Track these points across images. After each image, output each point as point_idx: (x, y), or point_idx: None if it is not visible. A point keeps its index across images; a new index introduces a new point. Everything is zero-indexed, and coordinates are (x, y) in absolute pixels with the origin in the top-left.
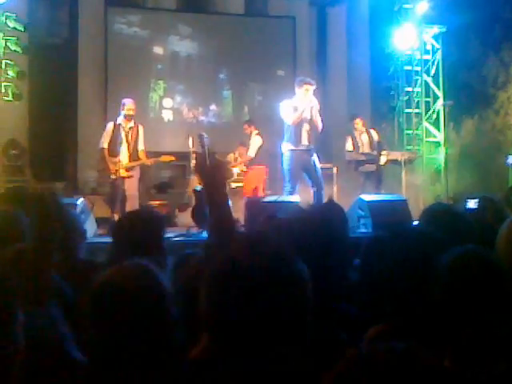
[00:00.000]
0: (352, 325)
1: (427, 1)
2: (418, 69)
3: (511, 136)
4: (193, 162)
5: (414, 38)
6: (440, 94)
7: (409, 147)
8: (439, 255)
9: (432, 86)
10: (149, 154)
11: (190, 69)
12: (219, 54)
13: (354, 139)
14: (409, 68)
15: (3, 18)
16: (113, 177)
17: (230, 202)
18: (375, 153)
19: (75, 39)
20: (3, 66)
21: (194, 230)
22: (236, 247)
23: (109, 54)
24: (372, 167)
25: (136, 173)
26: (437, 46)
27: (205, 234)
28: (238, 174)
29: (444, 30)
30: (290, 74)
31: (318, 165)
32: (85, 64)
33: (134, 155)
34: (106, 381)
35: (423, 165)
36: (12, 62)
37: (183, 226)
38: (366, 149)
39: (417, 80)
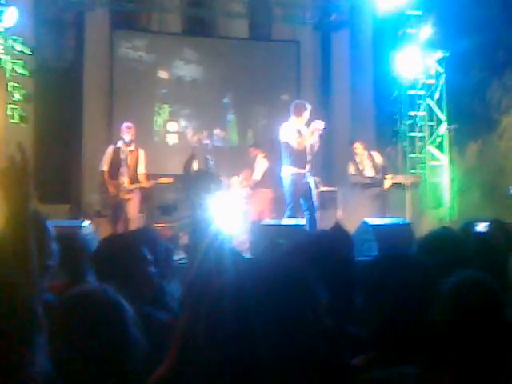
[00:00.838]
0: (361, 349)
1: (431, 26)
2: (422, 93)
3: None
4: None
5: (417, 62)
6: (443, 118)
7: (413, 171)
8: (439, 281)
9: (436, 110)
10: (153, 177)
11: (195, 93)
12: (224, 78)
13: (355, 164)
14: (412, 92)
15: (11, 42)
16: (113, 200)
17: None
18: (379, 176)
19: (81, 63)
20: (10, 89)
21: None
22: (246, 274)
23: (114, 78)
24: (376, 191)
25: (136, 195)
26: (440, 70)
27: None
28: (244, 197)
29: (447, 54)
30: (294, 98)
31: (314, 189)
32: (90, 87)
33: (133, 178)
34: None
35: (427, 188)
36: (19, 85)
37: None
38: (369, 172)
39: (420, 104)
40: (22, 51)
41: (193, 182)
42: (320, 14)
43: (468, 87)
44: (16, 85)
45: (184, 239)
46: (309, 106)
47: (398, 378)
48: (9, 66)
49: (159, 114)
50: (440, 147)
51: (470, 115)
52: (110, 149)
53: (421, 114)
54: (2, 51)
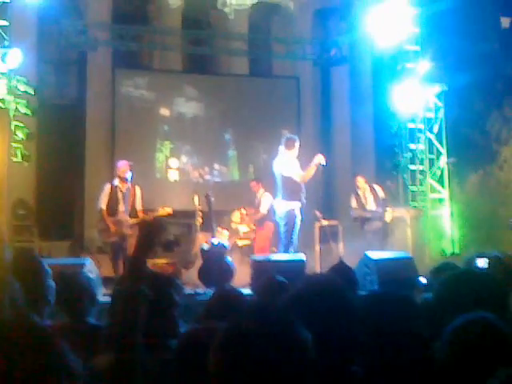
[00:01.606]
0: None
1: (429, 60)
2: (421, 126)
3: None
4: (199, 220)
5: (416, 96)
6: (443, 150)
7: (413, 204)
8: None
9: (435, 143)
10: (152, 213)
11: (196, 129)
12: (224, 114)
13: (357, 197)
14: (412, 126)
15: (14, 82)
16: (112, 239)
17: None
18: (380, 210)
19: (83, 101)
20: (13, 128)
21: (201, 290)
22: (243, 316)
23: (116, 116)
24: (378, 224)
25: (135, 231)
26: (439, 104)
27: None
28: (245, 233)
29: (446, 88)
30: (294, 132)
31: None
32: (92, 125)
33: (132, 214)
34: None
35: (428, 221)
36: (21, 124)
37: (190, 284)
38: (371, 206)
39: (420, 137)
40: (25, 91)
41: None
42: (320, 50)
43: (467, 119)
44: (19, 124)
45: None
46: (298, 140)
47: None
48: (12, 106)
49: (161, 151)
50: (440, 180)
51: (470, 147)
52: (107, 187)
53: (421, 147)
54: (6, 91)
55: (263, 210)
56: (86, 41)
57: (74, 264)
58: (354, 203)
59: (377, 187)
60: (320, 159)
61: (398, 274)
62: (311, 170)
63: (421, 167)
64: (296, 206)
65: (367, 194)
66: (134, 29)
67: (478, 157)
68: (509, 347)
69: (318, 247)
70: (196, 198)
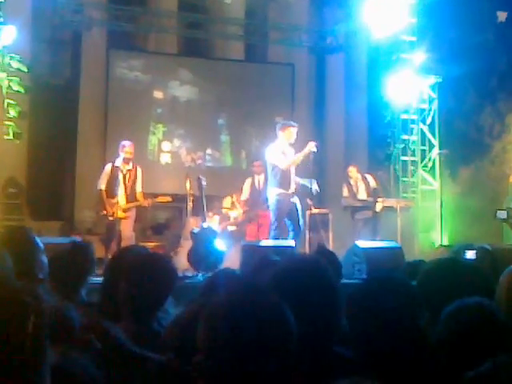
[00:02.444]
0: (347, 368)
1: (424, 51)
2: (415, 117)
3: (506, 185)
4: (190, 205)
5: (410, 87)
6: (436, 142)
7: (404, 195)
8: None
9: (428, 134)
10: (146, 196)
11: (190, 113)
12: (218, 99)
13: (349, 186)
14: (405, 116)
15: (7, 59)
16: (110, 218)
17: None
18: (371, 199)
19: (77, 81)
20: (5, 106)
21: (190, 272)
22: (230, 293)
23: (109, 97)
24: (368, 214)
25: (132, 214)
26: (433, 95)
27: (200, 277)
28: (235, 218)
29: (440, 80)
30: (288, 119)
31: (300, 210)
32: (85, 106)
33: (131, 197)
34: None
35: (418, 212)
36: (14, 102)
37: (178, 268)
38: (362, 195)
39: (413, 128)
40: (18, 68)
41: None
42: (316, 38)
43: (461, 112)
44: (11, 102)
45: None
46: (295, 125)
47: None
48: (5, 83)
49: (154, 134)
50: (432, 171)
51: (463, 140)
52: (109, 167)
53: (413, 138)
54: None
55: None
56: (80, 20)
57: (66, 243)
58: (345, 192)
59: (369, 177)
60: (311, 147)
61: (386, 263)
62: (297, 159)
63: (413, 158)
64: (284, 193)
65: (359, 184)
66: (130, 10)
67: (470, 150)
68: (503, 331)
69: (308, 235)
70: (188, 183)
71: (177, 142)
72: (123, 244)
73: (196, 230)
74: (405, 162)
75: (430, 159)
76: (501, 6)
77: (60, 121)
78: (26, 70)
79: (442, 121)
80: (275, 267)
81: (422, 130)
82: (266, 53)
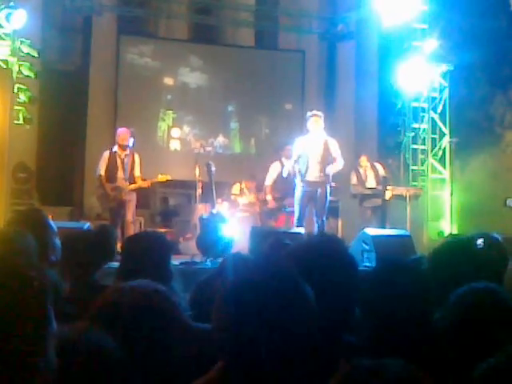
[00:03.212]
0: (357, 356)
1: (436, 39)
2: (425, 106)
3: None
4: (198, 191)
5: (421, 75)
6: (446, 131)
7: (414, 183)
8: (444, 292)
9: (439, 123)
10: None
11: (199, 100)
12: (228, 86)
13: (358, 174)
14: (416, 105)
15: (18, 44)
16: (112, 202)
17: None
18: (380, 187)
19: (87, 67)
20: (15, 91)
21: (198, 258)
22: (246, 270)
23: (119, 83)
24: (377, 202)
25: (133, 198)
26: (444, 83)
27: (208, 263)
28: (244, 205)
29: (452, 68)
30: (298, 107)
31: (325, 198)
32: (95, 91)
33: (130, 180)
34: None
35: (428, 201)
36: (24, 87)
37: (187, 254)
38: (371, 183)
39: (424, 117)
40: (28, 53)
41: None
42: (326, 25)
43: (472, 101)
44: (22, 86)
45: (184, 244)
46: (319, 113)
47: (381, 369)
48: (15, 68)
49: (163, 120)
50: (442, 160)
51: (473, 129)
52: (106, 154)
53: (424, 126)
54: (9, 53)
55: None
56: (91, 5)
57: (75, 228)
58: (354, 180)
59: (378, 165)
60: None
61: (395, 251)
62: (291, 164)
63: (423, 147)
64: (297, 179)
65: (368, 172)
66: None
67: (480, 139)
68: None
69: (315, 222)
70: (197, 169)
71: (186, 129)
72: (126, 228)
73: (205, 216)
74: (415, 150)
75: (440, 148)
76: None
77: (70, 106)
78: (36, 55)
79: (452, 109)
80: (292, 246)
81: (432, 118)
82: (277, 40)
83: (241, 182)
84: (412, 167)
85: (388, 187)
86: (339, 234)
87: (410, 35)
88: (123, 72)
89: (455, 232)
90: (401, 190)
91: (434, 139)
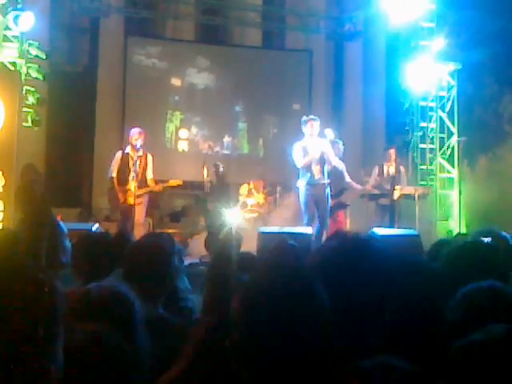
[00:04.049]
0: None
1: (443, 38)
2: (433, 105)
3: None
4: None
5: (429, 74)
6: (455, 130)
7: (423, 182)
8: (450, 291)
9: (447, 122)
10: (158, 182)
11: (207, 101)
12: (236, 86)
13: (380, 168)
14: (424, 104)
15: (26, 46)
16: (122, 206)
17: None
18: (389, 187)
19: (95, 68)
20: (24, 93)
21: (207, 259)
22: (260, 272)
23: (127, 84)
24: (385, 201)
25: (145, 200)
26: (452, 82)
27: None
28: (253, 206)
29: (460, 67)
30: (306, 107)
31: (327, 199)
32: (103, 92)
33: (142, 183)
34: None
35: (437, 200)
36: (33, 89)
37: (196, 255)
38: (386, 181)
39: (432, 116)
40: (36, 55)
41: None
42: (334, 24)
43: (480, 100)
44: (30, 88)
45: (192, 245)
46: (316, 118)
47: (385, 369)
48: (23, 70)
49: (171, 121)
50: (450, 159)
51: (482, 128)
52: (119, 155)
53: (432, 125)
54: (17, 55)
55: None
56: (98, 7)
57: (83, 229)
58: (374, 173)
59: (401, 168)
60: (329, 134)
61: (403, 250)
62: (308, 156)
63: (431, 146)
64: (301, 183)
65: (390, 170)
66: None
67: (489, 138)
68: None
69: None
70: (205, 170)
71: (194, 130)
72: (136, 230)
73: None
74: (423, 149)
75: (448, 147)
76: None
77: (78, 108)
78: (44, 57)
79: (461, 108)
80: (322, 247)
81: (440, 117)
82: (284, 39)
83: (249, 183)
84: (420, 166)
85: (396, 187)
86: None
87: (417, 34)
88: (131, 73)
89: (464, 231)
90: (409, 190)
91: (442, 138)
